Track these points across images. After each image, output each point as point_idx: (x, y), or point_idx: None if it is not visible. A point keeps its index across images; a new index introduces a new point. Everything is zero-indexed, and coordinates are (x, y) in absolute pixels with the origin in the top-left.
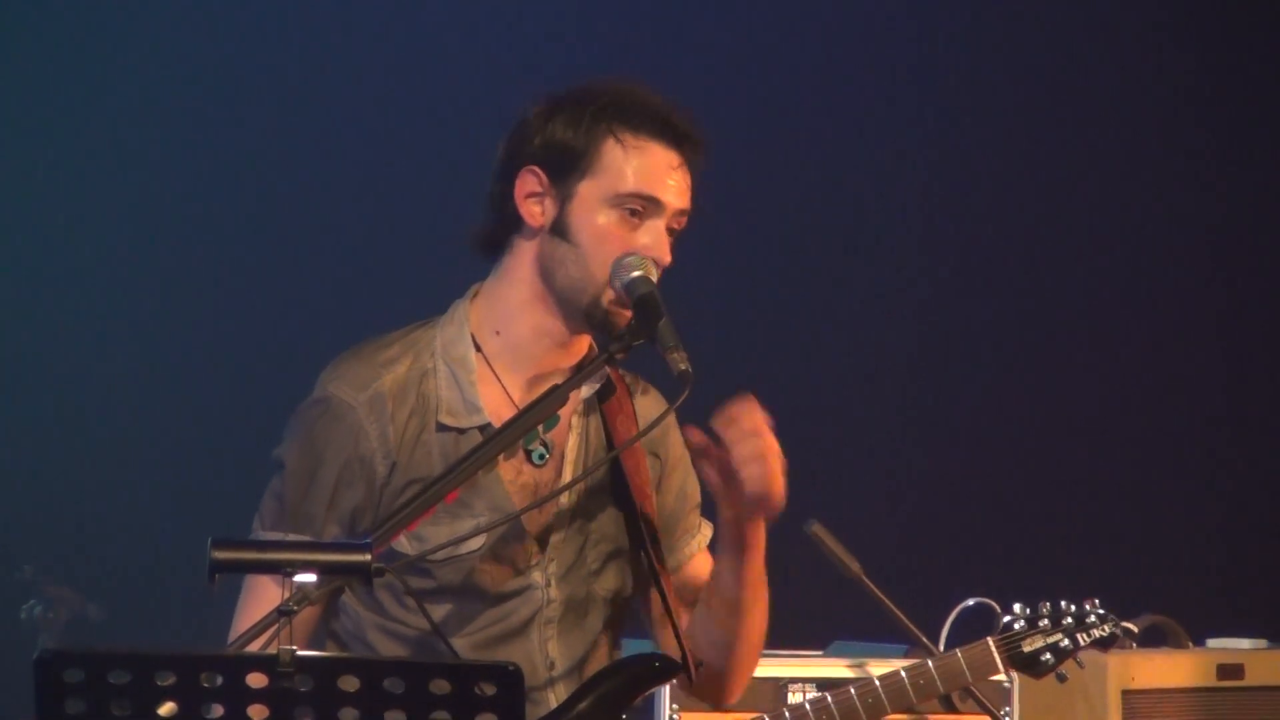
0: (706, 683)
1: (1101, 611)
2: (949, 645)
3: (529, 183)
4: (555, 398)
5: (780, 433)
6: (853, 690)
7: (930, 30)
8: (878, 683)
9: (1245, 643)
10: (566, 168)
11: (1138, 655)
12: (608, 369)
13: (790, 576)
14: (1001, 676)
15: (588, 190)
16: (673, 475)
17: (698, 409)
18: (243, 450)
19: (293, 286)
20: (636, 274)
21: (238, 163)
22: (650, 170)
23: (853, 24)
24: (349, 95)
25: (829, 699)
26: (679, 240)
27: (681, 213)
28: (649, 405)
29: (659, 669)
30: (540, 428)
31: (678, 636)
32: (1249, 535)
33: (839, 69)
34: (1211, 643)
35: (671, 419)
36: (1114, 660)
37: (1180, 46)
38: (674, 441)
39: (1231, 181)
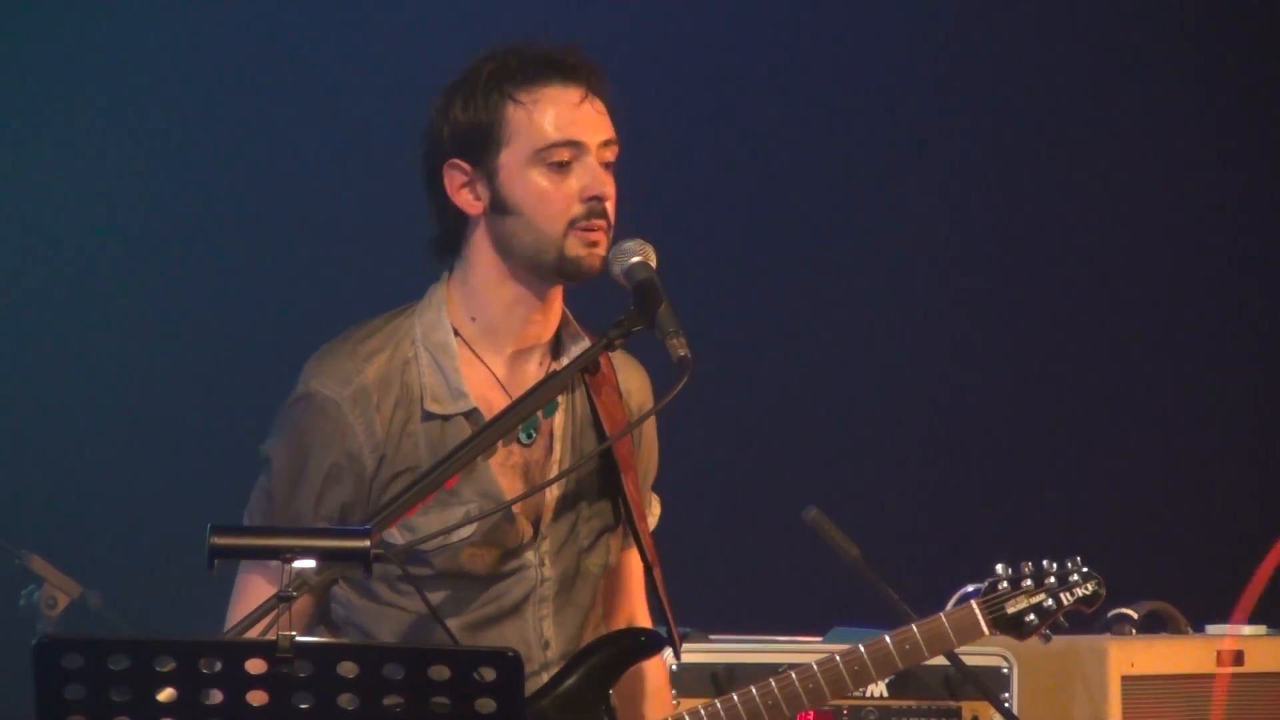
0: None
1: (1085, 570)
2: None
3: (455, 177)
4: (554, 384)
5: (779, 419)
6: (838, 659)
7: (934, 29)
8: (863, 650)
9: (1245, 629)
10: (481, 147)
11: (1138, 641)
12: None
13: (789, 563)
14: (1000, 660)
15: (509, 159)
16: (642, 449)
17: (694, 396)
18: (242, 438)
19: (286, 276)
20: (635, 260)
21: (232, 155)
22: (557, 116)
23: (857, 22)
24: (331, 88)
25: (815, 668)
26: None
27: (606, 143)
28: (630, 374)
29: (645, 643)
30: (540, 413)
31: (666, 611)
32: (1249, 522)
33: (848, 62)
34: (1211, 629)
35: (649, 391)
36: (1114, 646)
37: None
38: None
39: (1234, 169)
